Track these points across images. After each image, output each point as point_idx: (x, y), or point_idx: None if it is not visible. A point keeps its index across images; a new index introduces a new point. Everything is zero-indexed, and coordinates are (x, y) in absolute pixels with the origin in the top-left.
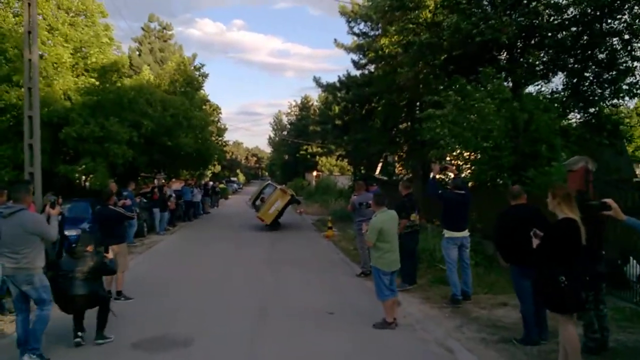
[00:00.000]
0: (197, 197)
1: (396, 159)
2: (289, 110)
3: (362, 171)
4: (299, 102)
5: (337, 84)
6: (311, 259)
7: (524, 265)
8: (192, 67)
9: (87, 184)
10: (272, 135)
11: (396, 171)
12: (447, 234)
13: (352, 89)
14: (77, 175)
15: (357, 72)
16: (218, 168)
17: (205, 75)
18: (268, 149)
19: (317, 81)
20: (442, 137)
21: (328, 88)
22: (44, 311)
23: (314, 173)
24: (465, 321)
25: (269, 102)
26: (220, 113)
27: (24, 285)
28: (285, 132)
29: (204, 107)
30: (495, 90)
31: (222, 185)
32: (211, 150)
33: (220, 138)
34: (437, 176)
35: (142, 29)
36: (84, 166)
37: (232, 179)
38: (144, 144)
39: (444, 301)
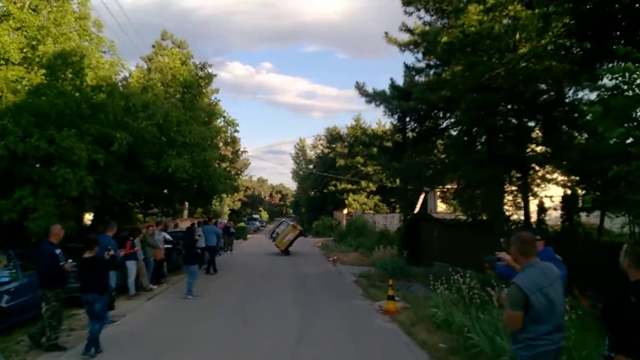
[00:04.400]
0: (200, 241)
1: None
2: (314, 144)
3: (398, 210)
4: (323, 134)
5: (390, 90)
6: None
7: None
8: (195, 65)
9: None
10: (295, 167)
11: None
12: None
13: (416, 93)
14: (10, 214)
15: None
16: (238, 205)
17: (210, 78)
18: (293, 186)
19: (360, 88)
20: None
21: (376, 97)
22: None
23: (345, 211)
24: None
25: (296, 141)
26: (237, 130)
27: None
28: (311, 166)
29: (209, 120)
30: None
31: (241, 224)
32: (214, 180)
33: (232, 165)
34: None
35: (153, 46)
36: (21, 201)
37: (254, 216)
38: (122, 168)
39: None
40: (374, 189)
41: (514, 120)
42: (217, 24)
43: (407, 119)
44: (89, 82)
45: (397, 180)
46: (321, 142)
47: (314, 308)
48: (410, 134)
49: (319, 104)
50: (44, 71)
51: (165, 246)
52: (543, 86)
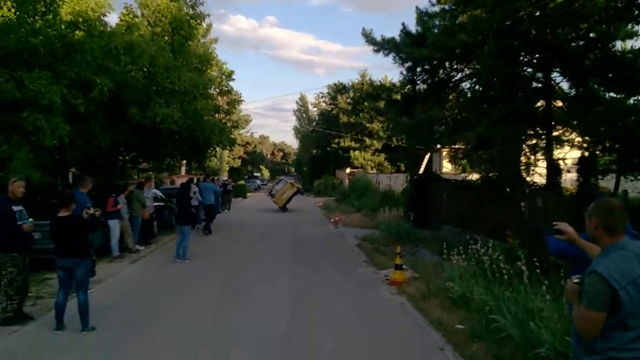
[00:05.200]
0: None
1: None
2: (316, 101)
3: (403, 169)
4: (326, 92)
5: (402, 37)
6: None
7: None
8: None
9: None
10: (297, 125)
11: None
12: None
13: (430, 38)
14: None
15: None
16: (238, 162)
17: (202, 18)
18: (296, 144)
19: (367, 35)
20: None
21: (385, 44)
22: None
23: (347, 170)
24: None
25: (296, 102)
26: (232, 79)
27: None
28: (313, 124)
29: (202, 66)
30: None
31: (241, 182)
32: (207, 131)
33: (228, 117)
34: None
35: None
36: None
37: (255, 174)
38: (103, 116)
39: None
40: (379, 147)
41: (538, 74)
42: None
43: (419, 69)
44: (64, 17)
45: (403, 138)
46: (323, 99)
47: (314, 278)
48: (421, 87)
49: (323, 60)
50: (9, 3)
51: (156, 204)
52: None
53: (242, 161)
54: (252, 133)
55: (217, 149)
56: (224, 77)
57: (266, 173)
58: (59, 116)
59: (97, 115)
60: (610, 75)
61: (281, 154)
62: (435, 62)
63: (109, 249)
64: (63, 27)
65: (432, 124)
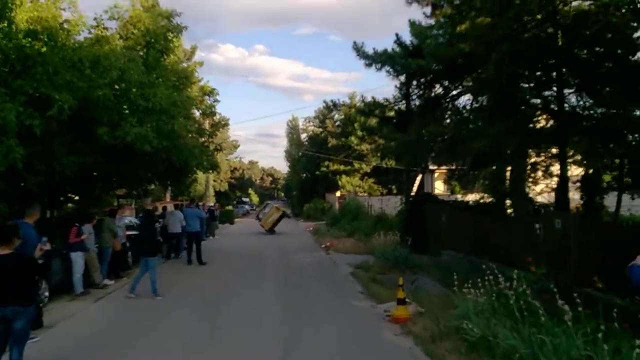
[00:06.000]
0: (176, 225)
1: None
2: (304, 126)
3: (394, 191)
4: (314, 116)
5: (395, 49)
6: None
7: None
8: (161, 13)
9: None
10: (288, 147)
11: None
12: None
13: (428, 48)
14: None
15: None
16: (224, 185)
17: (179, 30)
18: (285, 169)
19: (358, 49)
20: None
21: (378, 58)
22: None
23: (337, 193)
24: None
25: (287, 124)
26: (217, 99)
27: None
28: (302, 148)
29: (180, 83)
30: None
31: (229, 207)
32: (185, 153)
33: (210, 140)
34: None
35: None
36: None
37: (244, 199)
38: (71, 138)
39: None
40: (368, 171)
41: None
42: (210, 4)
43: (414, 82)
44: (20, 26)
45: (393, 161)
46: (311, 123)
47: (305, 314)
48: (415, 103)
49: (312, 87)
50: None
51: (131, 233)
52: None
53: (230, 186)
54: (240, 158)
55: (199, 172)
56: (206, 97)
57: (255, 198)
58: (13, 137)
59: (61, 136)
60: (628, 85)
61: (270, 179)
62: (431, 76)
63: (72, 285)
64: (20, 36)
65: (429, 140)
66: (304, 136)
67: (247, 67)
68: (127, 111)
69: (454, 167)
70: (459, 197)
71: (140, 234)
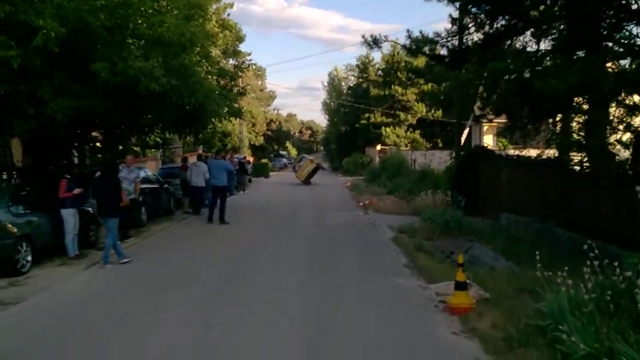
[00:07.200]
0: (199, 177)
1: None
2: (345, 75)
3: (440, 145)
4: (355, 64)
5: None
6: None
7: None
8: None
9: None
10: (327, 100)
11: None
12: None
13: None
14: None
15: None
16: (259, 138)
17: None
18: (324, 122)
19: None
20: None
21: None
22: None
23: (378, 147)
24: None
25: (328, 74)
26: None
27: None
28: (342, 98)
29: (194, 13)
30: None
31: (264, 160)
32: (199, 95)
33: (233, 83)
34: None
35: None
36: None
37: (282, 152)
38: (63, 76)
39: None
40: (413, 122)
41: None
42: None
43: (474, 9)
44: None
45: (440, 112)
46: (352, 72)
47: (334, 296)
48: (474, 37)
49: (353, 39)
50: None
51: (146, 186)
52: None
53: (267, 139)
54: (277, 110)
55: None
56: (226, 32)
57: (293, 151)
58: None
59: (50, 74)
60: None
61: (309, 132)
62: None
63: (64, 247)
64: None
65: (491, 79)
66: (344, 86)
67: (286, 19)
68: (130, 42)
69: (505, 120)
70: (510, 152)
71: (98, 189)
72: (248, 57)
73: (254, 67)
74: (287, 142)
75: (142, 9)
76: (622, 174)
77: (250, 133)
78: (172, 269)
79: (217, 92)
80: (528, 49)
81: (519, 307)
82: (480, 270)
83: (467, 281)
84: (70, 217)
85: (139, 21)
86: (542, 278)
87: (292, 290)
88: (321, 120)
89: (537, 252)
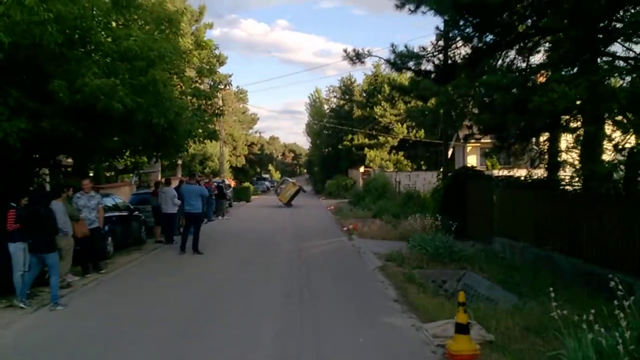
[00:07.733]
0: (168, 204)
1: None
2: (327, 97)
3: (423, 166)
4: (337, 85)
5: None
6: None
7: None
8: None
9: None
10: (309, 119)
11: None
12: None
13: None
14: None
15: None
16: (241, 160)
17: None
18: (307, 145)
19: None
20: None
21: None
22: None
23: (361, 169)
24: None
25: (309, 97)
26: (217, 55)
27: None
28: (324, 120)
29: (166, 30)
30: None
31: (245, 184)
32: (169, 115)
33: (207, 103)
34: None
35: None
36: None
37: (264, 175)
38: (22, 97)
39: None
40: (395, 144)
41: None
42: None
43: (462, 22)
44: None
45: (422, 132)
46: (334, 93)
47: (312, 346)
48: (461, 51)
49: (334, 62)
50: None
51: (114, 214)
52: None
53: (249, 162)
54: (260, 133)
55: (210, 144)
56: (201, 50)
57: (276, 175)
58: None
59: (2, 92)
60: None
61: (292, 154)
62: (488, 11)
63: (11, 286)
64: None
65: (484, 94)
66: (326, 108)
67: (269, 43)
68: (94, 57)
69: (489, 140)
70: (498, 172)
71: (24, 222)
72: (229, 78)
73: (236, 89)
74: (270, 165)
75: (105, 21)
76: (630, 194)
77: (231, 156)
78: (123, 315)
79: (189, 111)
80: (520, 64)
81: (529, 353)
82: (480, 305)
83: (470, 321)
84: (19, 251)
85: (103, 34)
86: (557, 316)
87: (260, 346)
88: (304, 143)
89: (524, 278)
